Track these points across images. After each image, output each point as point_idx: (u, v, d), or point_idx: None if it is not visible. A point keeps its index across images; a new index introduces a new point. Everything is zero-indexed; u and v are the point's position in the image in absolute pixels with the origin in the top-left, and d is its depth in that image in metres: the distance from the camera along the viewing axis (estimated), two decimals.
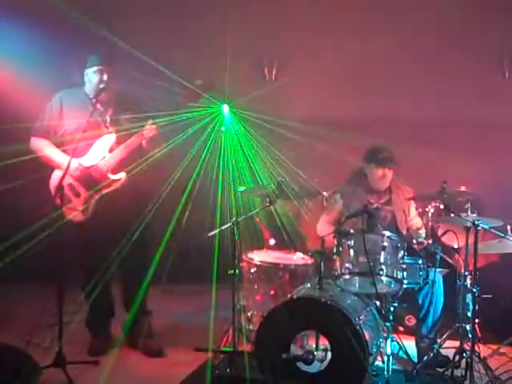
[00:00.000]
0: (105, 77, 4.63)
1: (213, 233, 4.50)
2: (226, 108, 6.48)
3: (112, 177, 4.67)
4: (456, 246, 4.90)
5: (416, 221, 4.98)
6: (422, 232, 4.82)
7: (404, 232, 4.93)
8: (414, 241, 4.74)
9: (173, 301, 6.34)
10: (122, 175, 4.67)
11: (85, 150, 4.67)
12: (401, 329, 5.17)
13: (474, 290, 4.33)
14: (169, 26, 6.05)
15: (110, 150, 4.67)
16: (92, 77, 4.67)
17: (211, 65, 6.04)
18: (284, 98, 6.20)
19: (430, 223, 5.04)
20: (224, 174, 6.41)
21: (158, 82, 5.47)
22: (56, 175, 4.68)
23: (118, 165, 4.67)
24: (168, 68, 5.82)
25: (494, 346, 4.83)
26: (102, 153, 4.67)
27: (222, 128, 6.41)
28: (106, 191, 4.65)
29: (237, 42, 6.06)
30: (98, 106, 4.65)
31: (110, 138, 4.68)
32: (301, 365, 3.99)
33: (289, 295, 4.35)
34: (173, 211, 6.46)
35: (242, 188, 5.08)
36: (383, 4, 5.80)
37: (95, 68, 4.65)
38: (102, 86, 4.61)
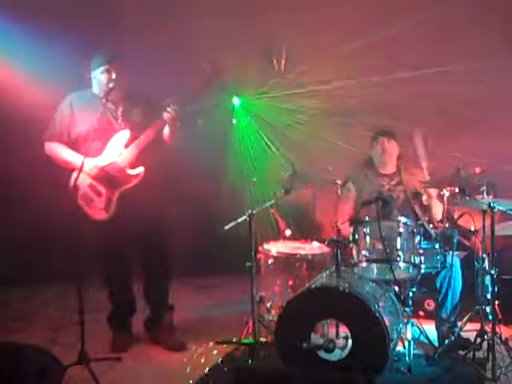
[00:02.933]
0: (113, 75, 4.63)
1: (229, 226, 4.53)
2: (236, 100, 6.51)
3: (131, 172, 4.69)
4: (473, 229, 4.89)
5: (433, 200, 4.97)
6: (439, 211, 4.85)
7: (419, 211, 4.93)
8: (432, 224, 4.76)
9: (192, 294, 6.38)
10: (140, 170, 4.69)
11: (100, 149, 4.70)
12: (421, 313, 5.18)
13: (493, 271, 4.30)
14: (178, 20, 6.04)
15: (126, 146, 4.68)
16: (100, 77, 4.67)
17: (220, 56, 6.04)
18: (294, 87, 6.17)
19: (446, 206, 5.05)
20: (240, 165, 6.44)
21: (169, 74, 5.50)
22: (74, 177, 4.71)
23: (136, 160, 4.69)
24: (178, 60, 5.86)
25: None
26: (117, 150, 4.68)
27: (233, 120, 6.46)
28: (126, 187, 4.67)
29: (246, 33, 6.07)
30: (109, 104, 4.67)
31: (124, 135, 4.70)
32: (322, 353, 4.00)
33: (307, 285, 4.38)
34: (191, 205, 6.54)
35: (255, 178, 5.10)
36: None
37: (102, 68, 4.65)
38: (111, 85, 4.60)
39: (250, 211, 4.48)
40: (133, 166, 4.69)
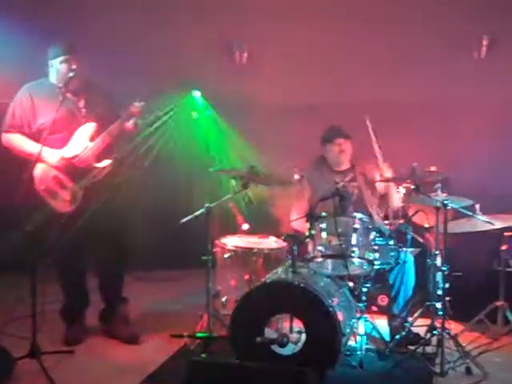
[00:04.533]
0: (73, 66, 4.58)
1: (186, 219, 4.52)
2: (197, 93, 6.49)
3: (97, 165, 4.66)
4: (427, 226, 4.98)
5: (390, 189, 5.03)
6: (397, 199, 4.91)
7: (373, 207, 4.99)
8: (386, 221, 4.83)
9: (148, 288, 6.35)
10: (106, 163, 4.67)
11: (64, 141, 4.65)
12: (374, 309, 5.22)
13: (444, 268, 4.38)
14: (138, 14, 5.99)
15: (92, 139, 4.65)
16: (59, 67, 4.61)
17: (180, 50, 6.02)
18: (255, 83, 6.18)
19: (402, 203, 5.13)
20: (197, 159, 6.44)
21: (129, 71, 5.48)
22: (39, 168, 4.63)
23: (102, 153, 4.67)
24: (138, 56, 5.81)
25: (465, 323, 4.93)
26: (83, 142, 4.64)
27: (194, 114, 6.44)
28: (92, 180, 4.64)
29: (207, 27, 6.05)
30: (68, 95, 4.61)
31: (89, 127, 4.66)
32: (275, 347, 4.03)
33: (262, 279, 4.40)
34: (147, 198, 6.51)
35: (213, 169, 5.10)
36: None
37: (62, 58, 4.59)
38: (71, 74, 4.55)
39: (207, 205, 4.48)
40: (99, 159, 4.66)
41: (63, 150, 4.64)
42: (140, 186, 6.02)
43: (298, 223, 4.87)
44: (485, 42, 5.92)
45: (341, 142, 5.07)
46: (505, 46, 5.92)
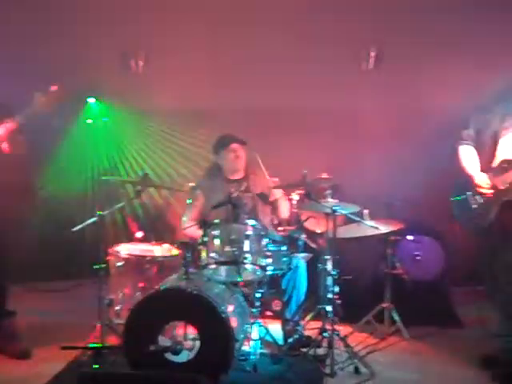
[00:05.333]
0: None
1: (77, 228, 4.44)
2: (92, 100, 6.40)
3: None
4: (319, 232, 5.13)
5: (281, 200, 5.13)
6: (286, 210, 5.02)
7: (267, 217, 5.09)
8: (280, 228, 4.93)
9: (40, 299, 6.17)
10: None
11: None
12: (269, 314, 5.33)
13: (334, 272, 4.53)
14: (29, 17, 5.83)
15: None
16: None
17: (76, 57, 5.91)
18: (152, 90, 6.16)
19: (294, 210, 5.25)
20: (91, 166, 6.34)
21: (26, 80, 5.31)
22: None
23: None
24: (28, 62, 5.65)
25: (355, 325, 5.12)
26: None
27: (89, 121, 6.34)
28: None
29: (102, 34, 5.98)
30: None
31: None
32: (169, 355, 4.02)
33: (156, 287, 4.39)
34: (40, 207, 6.33)
35: (106, 178, 5.03)
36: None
37: None
38: None
39: (99, 213, 4.42)
40: None
41: None
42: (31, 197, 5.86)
43: (191, 230, 4.89)
44: (372, 54, 6.19)
45: (236, 148, 5.12)
46: (391, 57, 6.21)
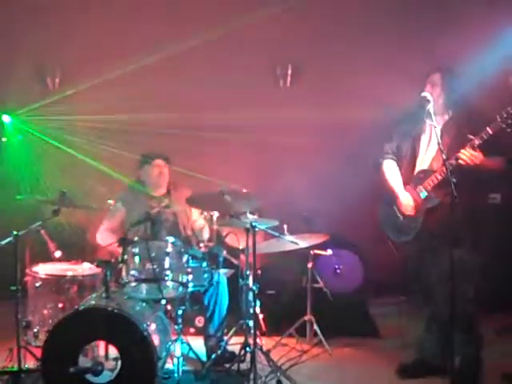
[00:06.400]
0: None
1: None
2: (6, 118, 6.26)
3: None
4: (241, 247, 5.16)
5: (199, 222, 5.15)
6: (205, 234, 5.03)
7: (188, 232, 5.10)
8: (201, 244, 4.94)
9: None
10: None
11: None
12: (192, 330, 5.34)
13: (254, 287, 4.57)
14: None
15: None
16: None
17: None
18: (68, 107, 6.09)
19: (215, 226, 5.27)
20: (5, 185, 6.17)
21: None
22: None
23: None
24: None
25: (278, 338, 5.17)
26: None
27: (3, 139, 6.20)
28: None
29: (18, 51, 5.88)
30: None
31: None
32: (90, 377, 3.96)
33: (76, 307, 4.31)
34: None
35: (21, 197, 4.91)
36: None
37: None
38: None
39: (15, 233, 4.31)
40: None
41: None
42: None
43: (103, 239, 4.85)
44: (289, 71, 6.34)
45: (160, 164, 5.14)
46: (308, 73, 6.37)
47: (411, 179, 4.50)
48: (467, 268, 4.20)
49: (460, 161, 4.14)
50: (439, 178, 4.28)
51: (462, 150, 4.14)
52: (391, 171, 4.62)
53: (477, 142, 4.11)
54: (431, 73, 4.46)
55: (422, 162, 4.48)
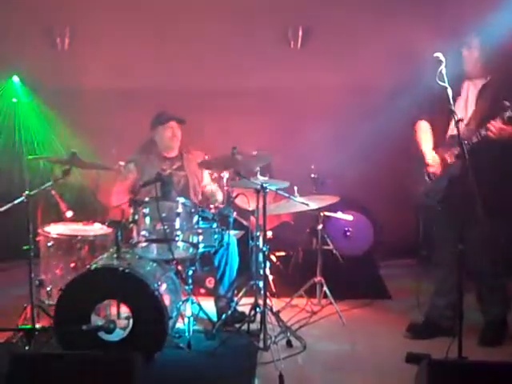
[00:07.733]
0: None
1: (3, 208, 4.32)
2: (16, 79, 6.25)
3: None
4: (250, 209, 5.17)
5: (210, 186, 5.15)
6: (219, 196, 5.04)
7: (199, 196, 5.11)
8: (211, 205, 4.96)
9: None
10: None
11: None
12: (202, 291, 5.38)
13: (264, 249, 4.56)
14: None
15: None
16: None
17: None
18: (78, 68, 6.05)
19: (225, 188, 5.29)
20: (18, 145, 6.19)
21: None
22: None
23: None
24: None
25: (288, 300, 5.21)
26: None
27: (14, 99, 6.19)
28: None
29: (24, 11, 5.83)
30: None
31: None
32: (102, 334, 4.01)
33: (87, 266, 4.35)
34: None
35: (32, 157, 4.92)
36: None
37: None
38: None
39: (27, 193, 4.32)
40: None
41: None
42: None
43: (118, 201, 4.83)
44: (300, 33, 6.25)
45: (174, 126, 5.08)
46: (318, 35, 6.28)
47: (442, 143, 4.44)
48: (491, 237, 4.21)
49: (489, 132, 4.09)
50: (467, 146, 4.19)
51: (491, 122, 4.07)
52: (423, 132, 4.53)
53: (507, 114, 4.03)
54: (467, 35, 4.35)
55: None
